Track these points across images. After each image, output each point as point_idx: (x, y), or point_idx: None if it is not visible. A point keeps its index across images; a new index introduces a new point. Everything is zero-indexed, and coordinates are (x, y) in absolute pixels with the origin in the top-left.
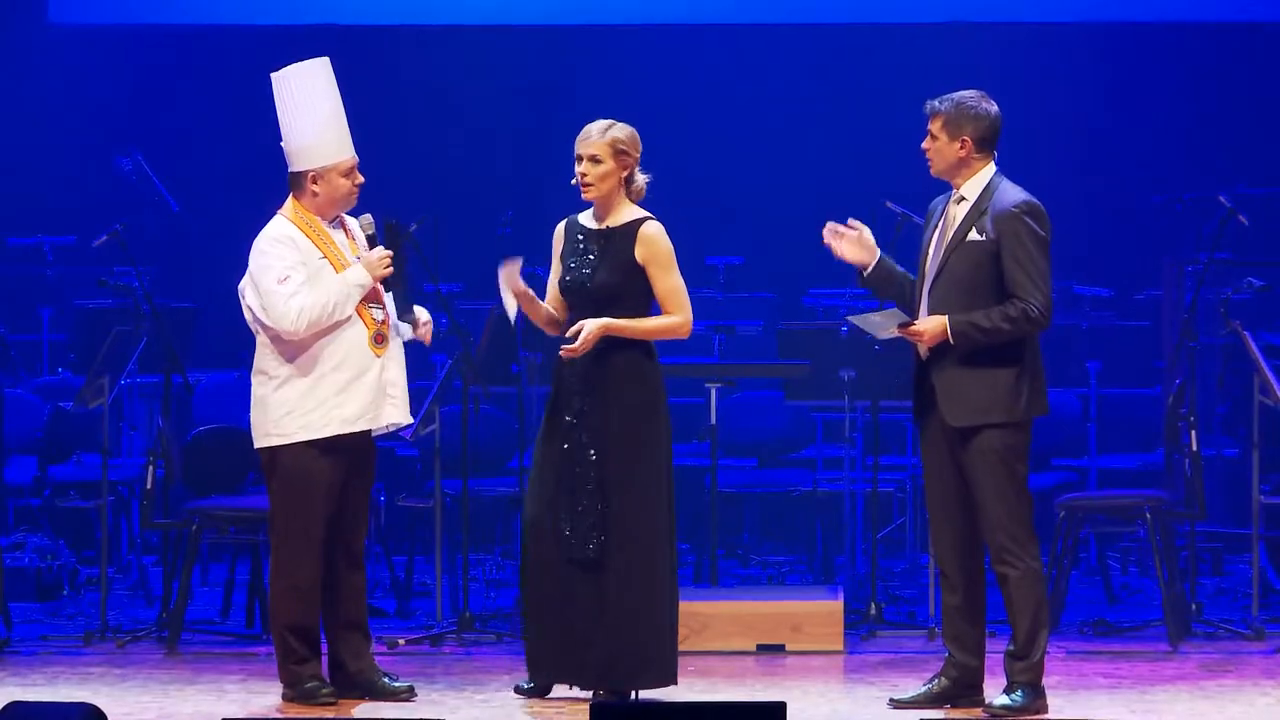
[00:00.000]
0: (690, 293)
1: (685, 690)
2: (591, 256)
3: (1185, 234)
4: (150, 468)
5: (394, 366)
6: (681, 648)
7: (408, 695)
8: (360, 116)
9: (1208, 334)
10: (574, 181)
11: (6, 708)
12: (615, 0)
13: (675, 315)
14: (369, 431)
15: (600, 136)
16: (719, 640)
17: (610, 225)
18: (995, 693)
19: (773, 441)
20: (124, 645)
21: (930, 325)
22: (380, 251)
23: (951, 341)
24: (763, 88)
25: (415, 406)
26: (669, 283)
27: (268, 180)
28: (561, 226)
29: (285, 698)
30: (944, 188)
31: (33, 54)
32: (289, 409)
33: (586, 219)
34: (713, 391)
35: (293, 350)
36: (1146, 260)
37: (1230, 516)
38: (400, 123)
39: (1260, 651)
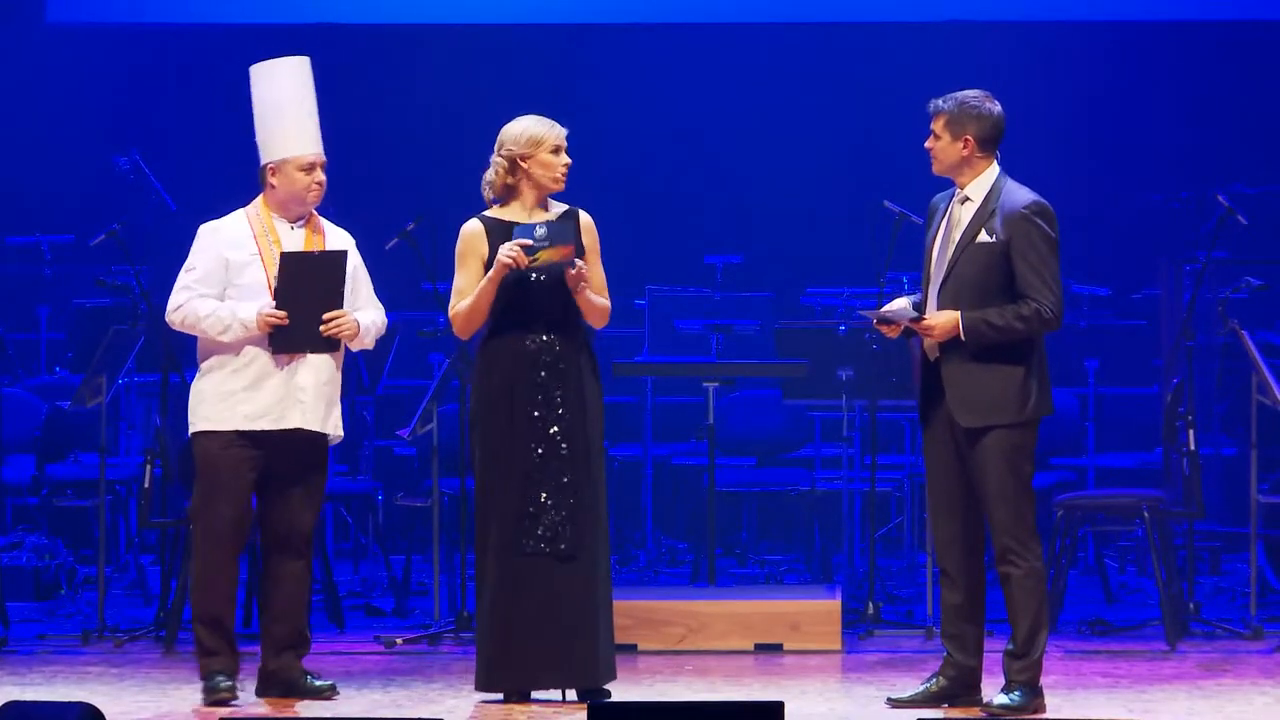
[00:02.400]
0: (689, 292)
1: (684, 690)
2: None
3: (1183, 233)
4: (148, 467)
5: (306, 371)
6: (679, 647)
7: (329, 694)
8: (361, 115)
9: (1206, 333)
10: (560, 175)
11: (4, 707)
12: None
13: (607, 300)
14: (312, 428)
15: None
16: (717, 639)
17: (550, 219)
18: (993, 692)
19: (771, 441)
20: (122, 644)
21: (941, 320)
22: (270, 309)
23: (963, 337)
24: (762, 87)
25: (413, 406)
26: (601, 269)
27: None
28: (480, 228)
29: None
30: (942, 186)
31: (30, 53)
32: (201, 399)
33: (515, 216)
34: (711, 391)
35: (209, 345)
36: (1144, 259)
37: (1228, 516)
38: (400, 121)
39: (1258, 651)
